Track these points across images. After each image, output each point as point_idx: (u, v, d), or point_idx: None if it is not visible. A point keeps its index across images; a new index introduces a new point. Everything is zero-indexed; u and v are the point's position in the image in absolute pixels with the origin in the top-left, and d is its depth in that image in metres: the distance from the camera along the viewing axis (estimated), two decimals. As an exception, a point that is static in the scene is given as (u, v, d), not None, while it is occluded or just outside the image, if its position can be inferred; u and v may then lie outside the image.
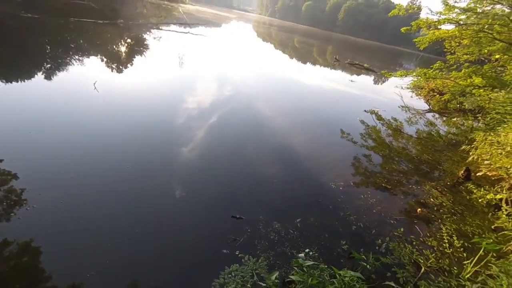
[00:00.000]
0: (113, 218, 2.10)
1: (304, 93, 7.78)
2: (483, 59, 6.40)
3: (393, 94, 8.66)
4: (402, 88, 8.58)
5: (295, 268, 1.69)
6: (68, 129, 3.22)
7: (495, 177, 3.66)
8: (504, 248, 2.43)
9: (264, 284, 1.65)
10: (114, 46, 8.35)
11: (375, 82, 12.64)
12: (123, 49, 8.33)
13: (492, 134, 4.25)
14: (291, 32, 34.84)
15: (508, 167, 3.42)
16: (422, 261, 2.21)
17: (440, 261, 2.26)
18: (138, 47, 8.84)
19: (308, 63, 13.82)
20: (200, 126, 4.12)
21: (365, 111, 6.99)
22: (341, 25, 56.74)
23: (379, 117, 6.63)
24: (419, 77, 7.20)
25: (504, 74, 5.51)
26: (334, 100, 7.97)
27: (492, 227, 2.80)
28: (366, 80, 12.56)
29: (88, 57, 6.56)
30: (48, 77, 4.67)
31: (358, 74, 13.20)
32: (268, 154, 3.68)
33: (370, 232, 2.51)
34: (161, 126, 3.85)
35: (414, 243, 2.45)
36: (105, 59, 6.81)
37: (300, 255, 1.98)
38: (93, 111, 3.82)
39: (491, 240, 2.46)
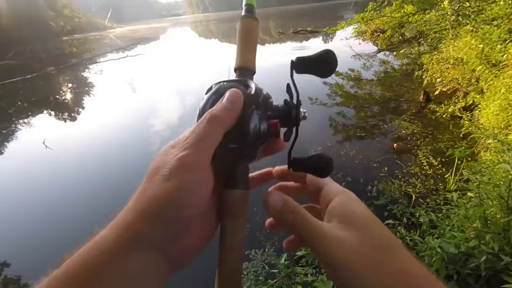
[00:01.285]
0: None
1: (265, 77, 7.75)
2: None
3: (343, 47, 8.86)
4: (347, 38, 8.80)
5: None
6: (31, 197, 3.00)
7: (450, 91, 3.92)
8: (475, 150, 2.64)
9: (277, 270, 1.68)
10: (55, 96, 7.78)
11: (324, 41, 12.88)
12: (66, 96, 7.81)
13: (436, 53, 4.50)
14: (231, 21, 34.32)
15: (457, 77, 3.67)
16: (411, 189, 2.35)
17: (426, 183, 2.41)
18: (81, 88, 8.31)
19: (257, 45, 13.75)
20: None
21: (322, 72, 7.12)
22: (275, -2, 56.63)
23: (337, 73, 6.78)
24: (359, 23, 7.41)
25: (429, -5, 5.80)
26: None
27: (461, 135, 3.02)
28: (314, 42, 12.75)
29: (31, 117, 6.08)
30: (-8, 154, 4.30)
31: (306, 40, 13.36)
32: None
33: (359, 182, 2.61)
34: (137, 162, 3.70)
35: (400, 176, 2.58)
36: (50, 113, 6.35)
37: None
38: (48, 171, 3.58)
39: (463, 148, 2.65)
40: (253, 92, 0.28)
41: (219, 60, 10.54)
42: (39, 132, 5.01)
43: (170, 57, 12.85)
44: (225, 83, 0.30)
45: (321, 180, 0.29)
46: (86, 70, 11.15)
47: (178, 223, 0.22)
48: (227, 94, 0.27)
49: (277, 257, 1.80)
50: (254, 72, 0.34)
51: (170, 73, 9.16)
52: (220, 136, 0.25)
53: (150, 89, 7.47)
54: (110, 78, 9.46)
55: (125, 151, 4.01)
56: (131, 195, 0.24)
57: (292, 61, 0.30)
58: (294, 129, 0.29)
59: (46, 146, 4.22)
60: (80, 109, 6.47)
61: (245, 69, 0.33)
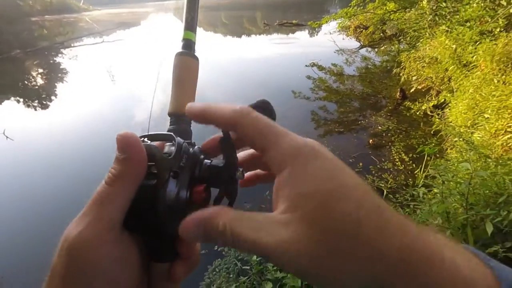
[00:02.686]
0: None
1: (249, 68, 7.63)
2: (390, -16, 6.75)
3: (327, 41, 8.90)
4: (331, 33, 8.84)
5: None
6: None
7: (425, 89, 4.06)
8: (443, 147, 2.77)
9: (249, 267, 1.68)
10: (20, 83, 7.20)
11: (309, 34, 12.86)
12: (34, 82, 7.26)
13: (413, 51, 4.63)
14: (216, 9, 33.30)
15: (431, 76, 3.80)
16: (383, 185, 2.42)
17: (397, 179, 2.50)
18: (53, 74, 7.75)
19: (243, 36, 13.50)
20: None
21: (306, 66, 7.12)
22: (262, -12, 55.62)
23: (321, 67, 6.82)
24: (343, 18, 7.44)
25: (409, -7, 5.92)
26: (278, 65, 7.97)
27: (432, 132, 3.15)
28: (299, 35, 12.71)
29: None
30: None
31: (292, 32, 13.28)
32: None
33: (335, 177, 2.66)
34: (111, 154, 3.52)
35: (373, 172, 2.66)
36: (14, 101, 5.88)
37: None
38: (6, 163, 3.33)
39: (433, 144, 2.76)
40: (173, 153, 0.24)
41: (203, 52, 10.19)
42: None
43: (151, 46, 12.30)
44: (145, 139, 0.25)
45: (263, 132, 0.21)
46: (59, 54, 10.39)
47: None
48: (116, 142, 0.22)
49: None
50: (190, 119, 0.28)
51: (151, 61, 8.78)
52: (130, 194, 0.21)
53: (129, 77, 7.12)
54: (85, 64, 8.90)
55: (99, 143, 3.81)
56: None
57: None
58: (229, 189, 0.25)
59: (7, 137, 3.92)
60: (51, 97, 6.05)
61: (179, 116, 0.29)
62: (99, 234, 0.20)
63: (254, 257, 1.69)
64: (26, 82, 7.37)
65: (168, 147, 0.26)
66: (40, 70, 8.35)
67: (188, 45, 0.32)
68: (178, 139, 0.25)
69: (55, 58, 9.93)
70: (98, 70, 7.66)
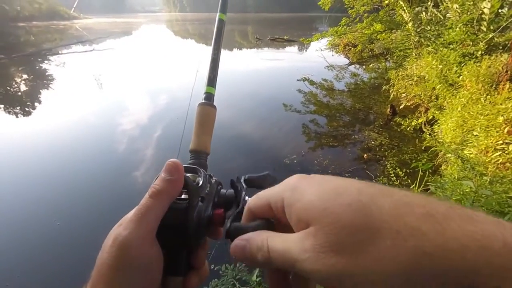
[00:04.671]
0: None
1: (240, 80, 7.70)
2: (377, 7, 7.16)
3: (317, 57, 9.20)
4: (322, 50, 9.16)
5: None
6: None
7: (414, 105, 4.23)
8: (435, 163, 2.84)
9: (248, 287, 1.59)
10: (1, 89, 6.89)
11: (299, 50, 13.27)
12: (18, 88, 6.96)
13: (401, 69, 4.86)
14: (208, 23, 33.96)
15: (420, 93, 3.97)
16: (379, 200, 2.43)
17: (393, 194, 2.52)
18: (38, 81, 7.48)
19: (234, 49, 13.71)
20: (147, 143, 3.76)
21: (298, 80, 7.28)
22: (253, 5, 57.61)
23: (312, 82, 6.99)
24: (333, 36, 7.76)
25: (395, 16, 6.28)
26: (269, 78, 8.11)
27: (423, 148, 3.25)
28: (290, 51, 13.09)
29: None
30: None
31: (283, 47, 13.67)
32: (220, 149, 3.55)
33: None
34: (97, 162, 3.36)
35: (369, 186, 2.67)
36: (-6, 108, 5.58)
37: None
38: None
39: (424, 160, 2.83)
40: (201, 183, 0.30)
41: (192, 62, 10.28)
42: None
43: (142, 54, 12.24)
44: None
45: (263, 199, 0.25)
46: (46, 61, 10.10)
47: None
48: (164, 166, 0.28)
49: (249, 273, 1.72)
50: (208, 154, 0.37)
51: (141, 71, 8.69)
52: (165, 208, 0.27)
53: (118, 86, 6.98)
54: (73, 72, 8.67)
55: (85, 150, 3.64)
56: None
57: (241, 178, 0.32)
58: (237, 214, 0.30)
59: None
60: (34, 104, 5.79)
61: (199, 152, 0.36)
62: (142, 237, 0.25)
63: (254, 277, 1.61)
64: (8, 88, 7.06)
65: (193, 177, 0.31)
66: (25, 76, 8.05)
67: (209, 97, 0.40)
68: (204, 172, 0.32)
69: (41, 65, 9.64)
70: (86, 77, 7.48)
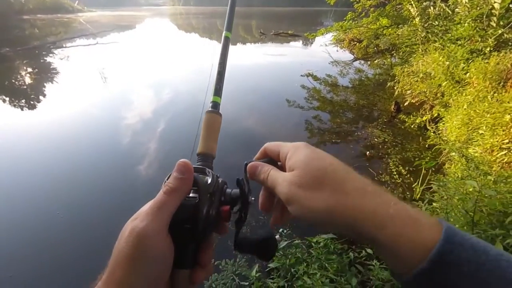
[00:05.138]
0: None
1: (244, 75, 7.65)
2: (383, 1, 7.01)
3: (321, 52, 9.09)
4: (326, 45, 9.04)
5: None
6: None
7: (419, 103, 4.16)
8: (439, 161, 2.80)
9: (247, 283, 1.61)
10: (7, 83, 6.94)
11: (304, 45, 13.11)
12: (23, 81, 7.00)
13: (407, 66, 4.77)
14: (212, 17, 33.66)
15: (425, 90, 3.90)
16: (381, 197, 2.41)
17: (394, 191, 2.50)
18: (43, 74, 7.51)
19: (238, 43, 13.58)
20: (150, 136, 3.78)
21: (301, 75, 7.21)
22: (258, -2, 56.84)
23: (316, 78, 6.91)
24: (338, 31, 7.63)
25: (402, 10, 6.14)
26: (273, 73, 8.04)
27: (426, 146, 3.20)
28: (295, 45, 12.94)
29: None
30: None
31: (287, 42, 13.51)
32: (223, 143, 3.54)
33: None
34: (101, 157, 3.39)
35: (371, 184, 2.65)
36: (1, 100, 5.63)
37: (275, 237, 1.96)
38: None
39: (428, 158, 2.80)
40: (209, 181, 0.34)
41: (197, 55, 10.22)
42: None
43: (146, 47, 12.20)
44: None
45: (276, 146, 0.36)
46: (50, 54, 10.13)
47: None
48: (176, 166, 0.31)
49: (249, 268, 1.73)
50: (214, 157, 0.41)
51: (145, 65, 8.68)
52: (177, 204, 0.30)
53: (122, 80, 6.99)
54: (77, 65, 8.69)
55: (87, 144, 3.67)
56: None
57: (246, 163, 0.37)
58: (242, 214, 0.36)
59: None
60: (38, 97, 5.83)
61: (206, 155, 0.40)
62: (157, 229, 0.28)
63: (253, 272, 1.62)
64: (13, 80, 7.10)
65: (202, 177, 0.34)
66: (29, 69, 8.08)
67: (215, 105, 0.43)
68: (212, 172, 0.35)
69: (45, 58, 9.67)
70: (89, 71, 7.49)
